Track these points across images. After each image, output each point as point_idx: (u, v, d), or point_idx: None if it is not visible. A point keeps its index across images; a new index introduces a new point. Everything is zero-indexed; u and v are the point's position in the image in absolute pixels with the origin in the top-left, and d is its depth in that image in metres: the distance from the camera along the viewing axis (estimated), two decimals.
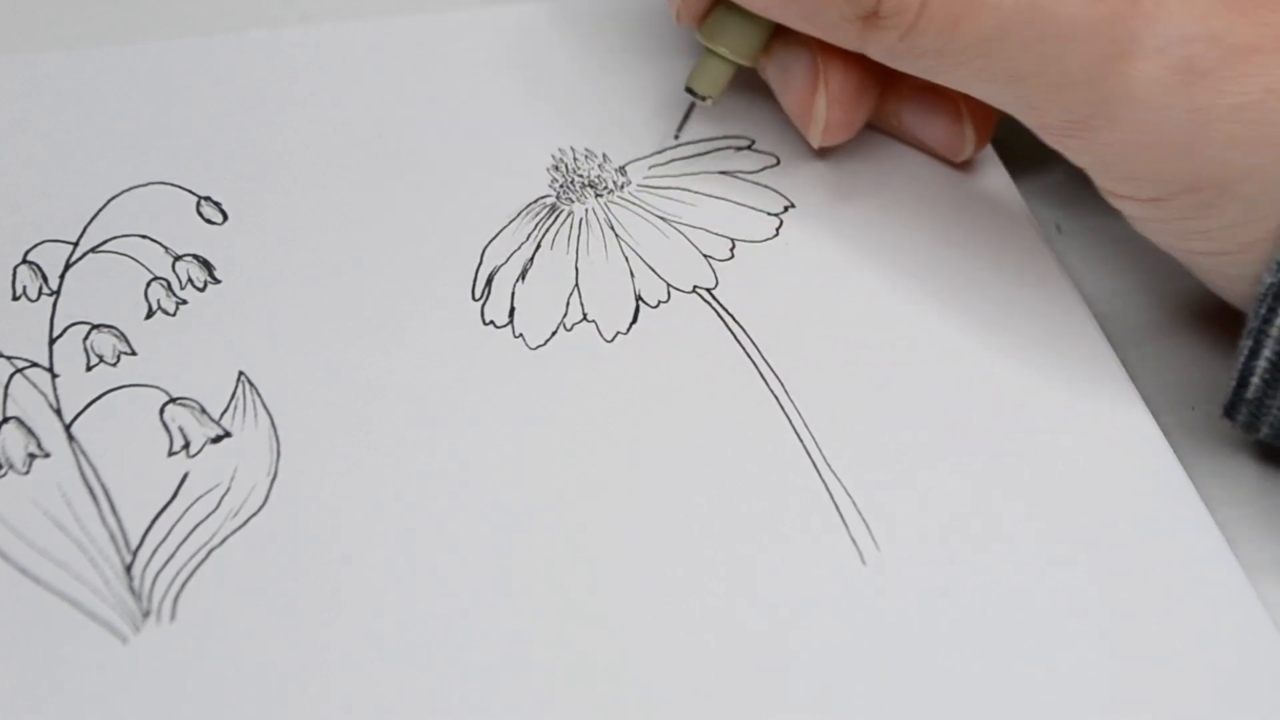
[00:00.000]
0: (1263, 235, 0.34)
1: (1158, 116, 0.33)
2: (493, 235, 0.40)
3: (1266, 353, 0.34)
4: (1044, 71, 0.34)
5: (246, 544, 0.34)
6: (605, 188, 0.41)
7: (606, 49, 0.44)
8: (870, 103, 0.40)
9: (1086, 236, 0.40)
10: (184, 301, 0.38)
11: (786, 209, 0.41)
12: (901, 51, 0.36)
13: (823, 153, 0.41)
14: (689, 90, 0.40)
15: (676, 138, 0.41)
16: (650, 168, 0.42)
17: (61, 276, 0.38)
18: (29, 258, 0.39)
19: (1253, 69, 0.32)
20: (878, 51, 0.36)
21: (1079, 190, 0.38)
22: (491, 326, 0.38)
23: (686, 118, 0.41)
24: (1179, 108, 0.33)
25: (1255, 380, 0.34)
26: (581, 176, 0.41)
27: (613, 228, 0.40)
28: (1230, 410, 0.35)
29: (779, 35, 0.39)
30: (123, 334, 0.37)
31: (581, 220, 0.40)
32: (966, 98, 0.37)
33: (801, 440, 0.36)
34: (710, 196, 0.41)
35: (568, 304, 0.39)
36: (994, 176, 0.42)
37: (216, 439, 0.36)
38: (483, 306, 0.39)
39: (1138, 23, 0.33)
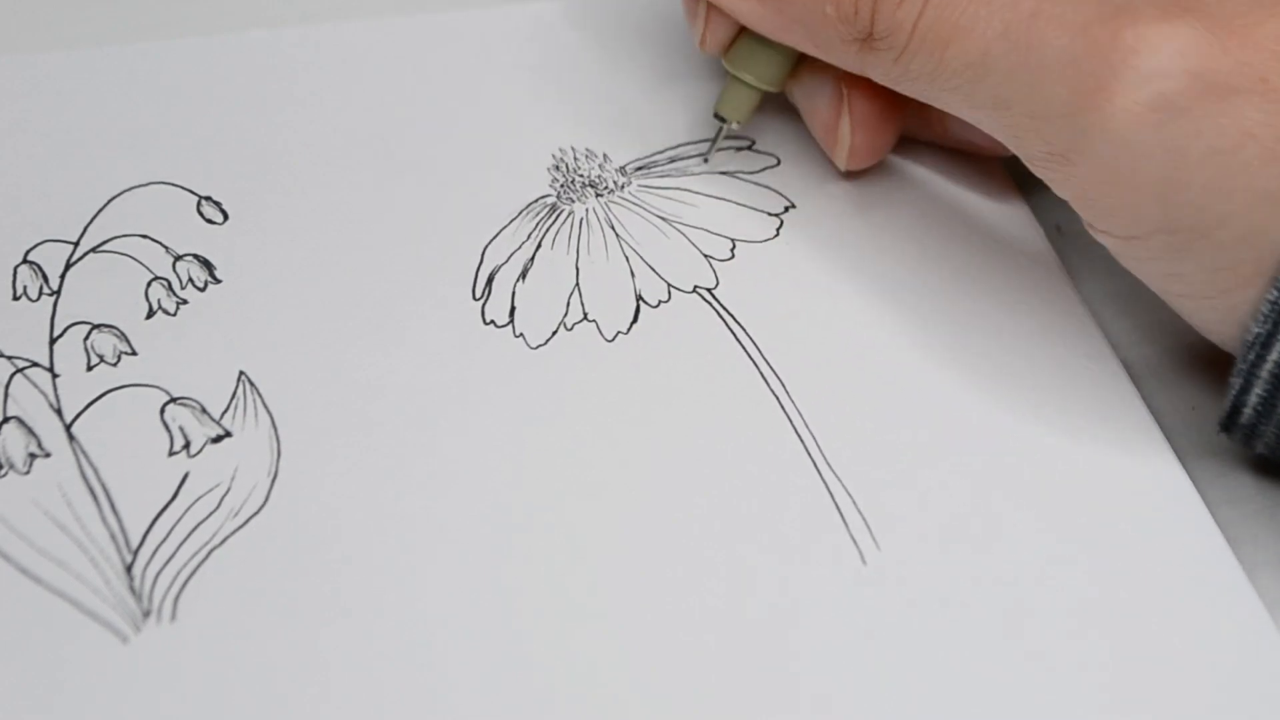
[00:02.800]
0: (1238, 282, 0.33)
1: (1134, 154, 0.33)
2: (493, 235, 0.40)
3: (1257, 390, 0.34)
4: (1026, 101, 0.34)
5: (247, 544, 0.34)
6: (606, 187, 0.41)
7: (607, 49, 0.44)
8: (896, 127, 0.40)
9: (1086, 237, 0.40)
10: (184, 301, 0.38)
11: (786, 209, 0.41)
12: (897, 74, 0.36)
13: (826, 154, 0.41)
14: (717, 116, 0.41)
15: (706, 160, 0.42)
16: (651, 168, 0.42)
17: (62, 276, 0.38)
18: (29, 257, 0.39)
19: (1231, 110, 0.32)
20: (877, 74, 0.37)
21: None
22: (492, 326, 0.38)
23: (715, 142, 0.42)
24: (1155, 145, 0.32)
25: (1247, 411, 0.35)
26: (582, 176, 0.41)
27: (613, 227, 0.40)
28: (1225, 428, 0.35)
29: (805, 63, 0.40)
30: (123, 334, 0.37)
31: (582, 220, 0.40)
32: None
33: (801, 440, 0.36)
34: (710, 196, 0.41)
35: (568, 304, 0.39)
36: (995, 177, 0.42)
37: (217, 439, 0.36)
38: (483, 306, 0.39)
39: (1118, 56, 0.33)
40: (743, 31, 0.40)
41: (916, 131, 0.41)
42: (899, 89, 0.37)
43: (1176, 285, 0.35)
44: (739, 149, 0.42)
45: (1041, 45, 0.33)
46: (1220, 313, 0.34)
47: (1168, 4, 0.33)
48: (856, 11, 0.36)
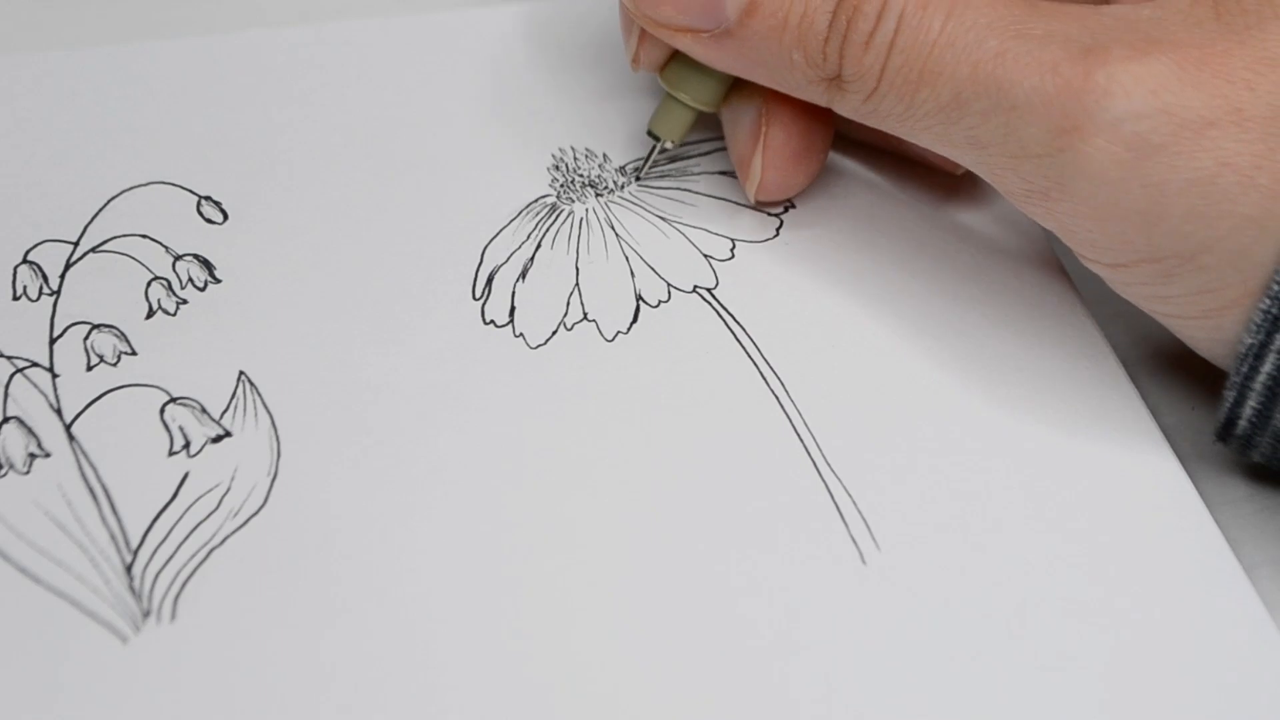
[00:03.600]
0: (1226, 302, 0.33)
1: (1113, 191, 0.33)
2: (493, 235, 0.40)
3: (1251, 402, 0.34)
4: (1002, 142, 0.34)
5: (246, 544, 0.34)
6: (605, 187, 0.41)
7: (607, 48, 0.44)
8: (814, 166, 0.40)
9: None
10: (184, 301, 0.38)
11: (786, 209, 0.41)
12: (867, 112, 0.36)
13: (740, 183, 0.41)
14: (650, 134, 0.40)
15: (639, 179, 0.41)
16: (651, 167, 0.42)
17: (62, 276, 0.38)
18: (29, 257, 0.39)
19: (1206, 143, 0.32)
20: (845, 110, 0.37)
21: None
22: (492, 326, 0.38)
23: (649, 159, 0.41)
24: (1134, 182, 0.33)
25: (1242, 422, 0.35)
26: (582, 176, 0.41)
27: (613, 227, 0.40)
28: (1221, 438, 0.35)
29: (736, 85, 0.39)
30: (123, 334, 0.37)
31: (582, 220, 0.40)
32: None
33: (801, 440, 0.36)
34: (710, 196, 0.41)
35: (568, 303, 0.39)
36: None
37: (217, 439, 0.36)
38: (483, 306, 0.39)
39: (1091, 98, 0.32)
40: (679, 52, 0.39)
41: (876, 142, 0.41)
42: (870, 124, 0.37)
43: (1165, 307, 0.35)
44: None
45: (1012, 86, 0.33)
46: (1209, 331, 0.34)
47: (1135, 40, 0.33)
48: (825, 58, 0.36)
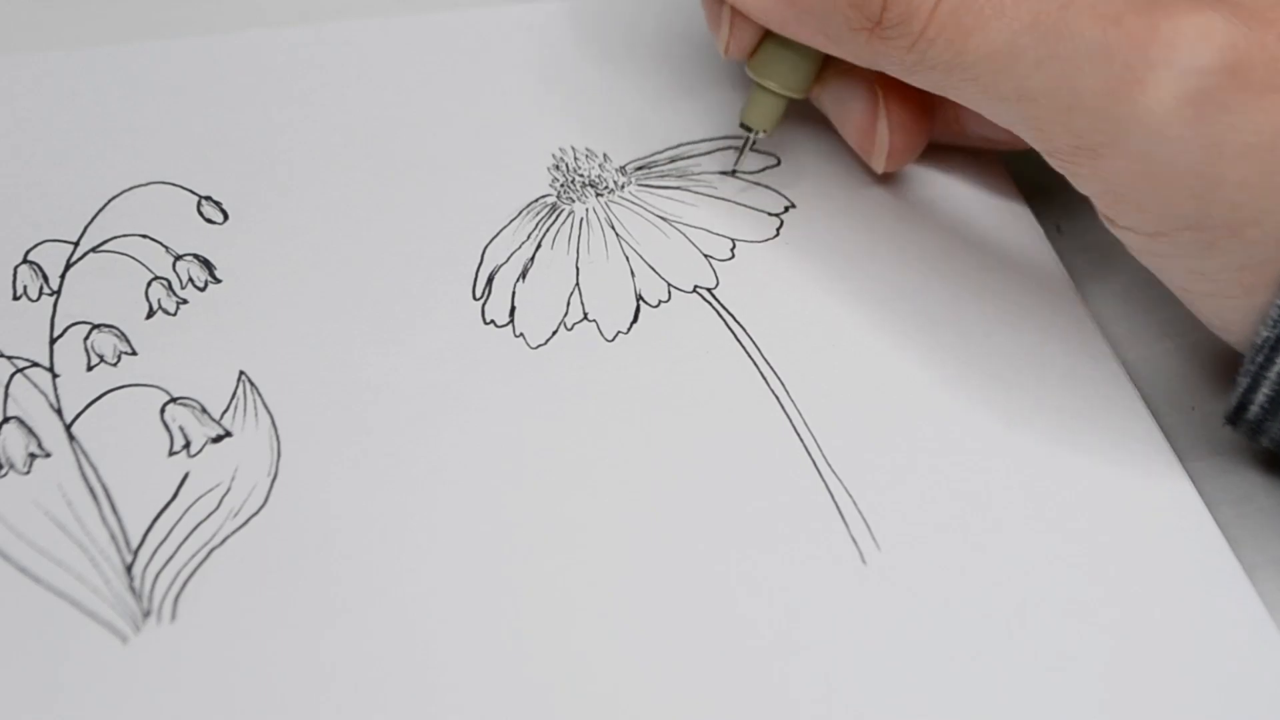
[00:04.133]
0: (1264, 280, 0.33)
1: (1169, 148, 0.32)
2: (493, 235, 0.40)
3: (1265, 389, 0.34)
4: (1054, 92, 0.33)
5: (247, 544, 0.34)
6: (606, 187, 0.41)
7: (607, 48, 0.44)
8: (930, 126, 0.40)
9: (1087, 237, 0.40)
10: (185, 301, 0.38)
11: (786, 209, 0.41)
12: (911, 63, 0.35)
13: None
14: (743, 125, 0.40)
15: (734, 173, 0.41)
16: (651, 167, 0.42)
17: (62, 276, 0.38)
18: (29, 257, 0.39)
19: (1269, 106, 0.32)
20: (889, 65, 0.36)
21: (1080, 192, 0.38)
22: (492, 326, 0.38)
23: (743, 151, 0.41)
24: (1192, 140, 0.32)
25: (1254, 409, 0.35)
26: (582, 176, 0.41)
27: (613, 227, 0.40)
28: (1232, 421, 0.35)
29: (831, 66, 0.39)
30: (123, 334, 0.37)
31: (582, 220, 0.40)
32: None
33: (801, 440, 0.36)
34: (710, 196, 0.41)
35: (568, 303, 0.39)
36: (996, 177, 0.42)
37: (217, 439, 0.36)
38: (483, 306, 0.39)
39: (1155, 49, 0.32)
40: (765, 38, 0.39)
41: (939, 134, 0.41)
42: (910, 80, 0.36)
43: (1200, 283, 0.34)
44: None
45: (1074, 35, 0.33)
46: (1241, 312, 0.34)
47: None
48: None
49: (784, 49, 0.39)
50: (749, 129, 0.40)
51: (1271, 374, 0.33)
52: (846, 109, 0.40)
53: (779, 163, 0.42)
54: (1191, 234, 0.33)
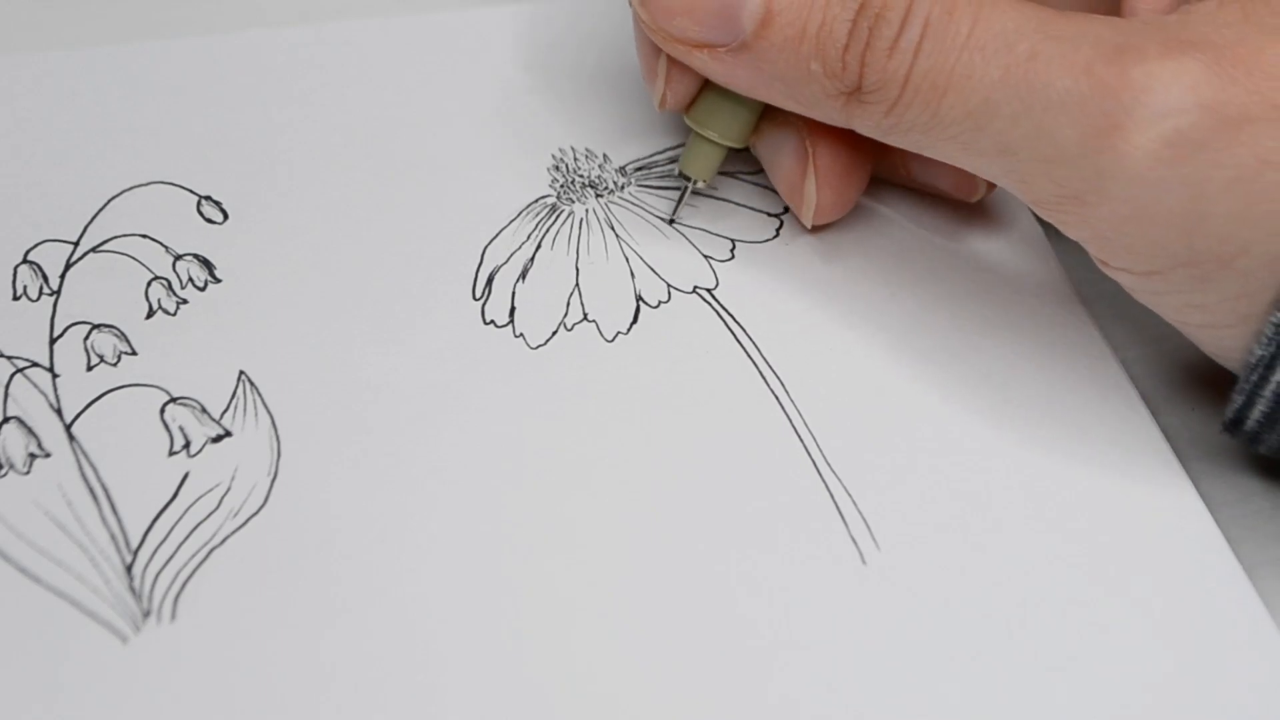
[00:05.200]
0: (1258, 307, 0.33)
1: (1152, 191, 0.32)
2: (493, 235, 0.40)
3: (1260, 406, 0.34)
4: (1034, 145, 0.33)
5: (247, 544, 0.34)
6: (606, 188, 0.41)
7: (607, 49, 0.44)
8: (863, 179, 0.39)
9: None
10: (184, 301, 0.38)
11: (787, 209, 0.41)
12: (888, 127, 0.35)
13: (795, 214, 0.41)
14: (682, 175, 0.40)
15: (672, 222, 0.40)
16: (651, 168, 0.42)
17: (62, 276, 0.38)
18: (29, 257, 0.39)
19: (1247, 139, 0.32)
20: (864, 127, 0.36)
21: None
22: (492, 326, 0.38)
23: (681, 200, 0.40)
24: (1174, 181, 0.32)
25: (1250, 423, 0.35)
26: (582, 177, 0.41)
27: (613, 228, 0.40)
28: (1228, 430, 0.35)
29: (768, 115, 0.39)
30: (123, 334, 0.37)
31: (582, 220, 0.40)
32: None
33: (801, 440, 0.36)
34: (710, 197, 0.41)
35: (568, 304, 0.39)
36: None
37: (217, 438, 0.36)
38: (483, 306, 0.39)
39: (1128, 95, 0.32)
40: (705, 87, 0.38)
41: (880, 172, 0.41)
42: (886, 140, 0.36)
43: (1196, 316, 0.34)
44: (739, 149, 0.42)
45: (1045, 88, 0.33)
46: (1238, 339, 0.34)
47: (1167, 40, 0.32)
48: (845, 67, 0.35)
49: (725, 99, 0.38)
50: (687, 178, 0.40)
51: (1266, 391, 0.34)
52: (777, 161, 0.39)
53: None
54: (1184, 270, 0.33)
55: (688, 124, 0.39)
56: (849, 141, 0.38)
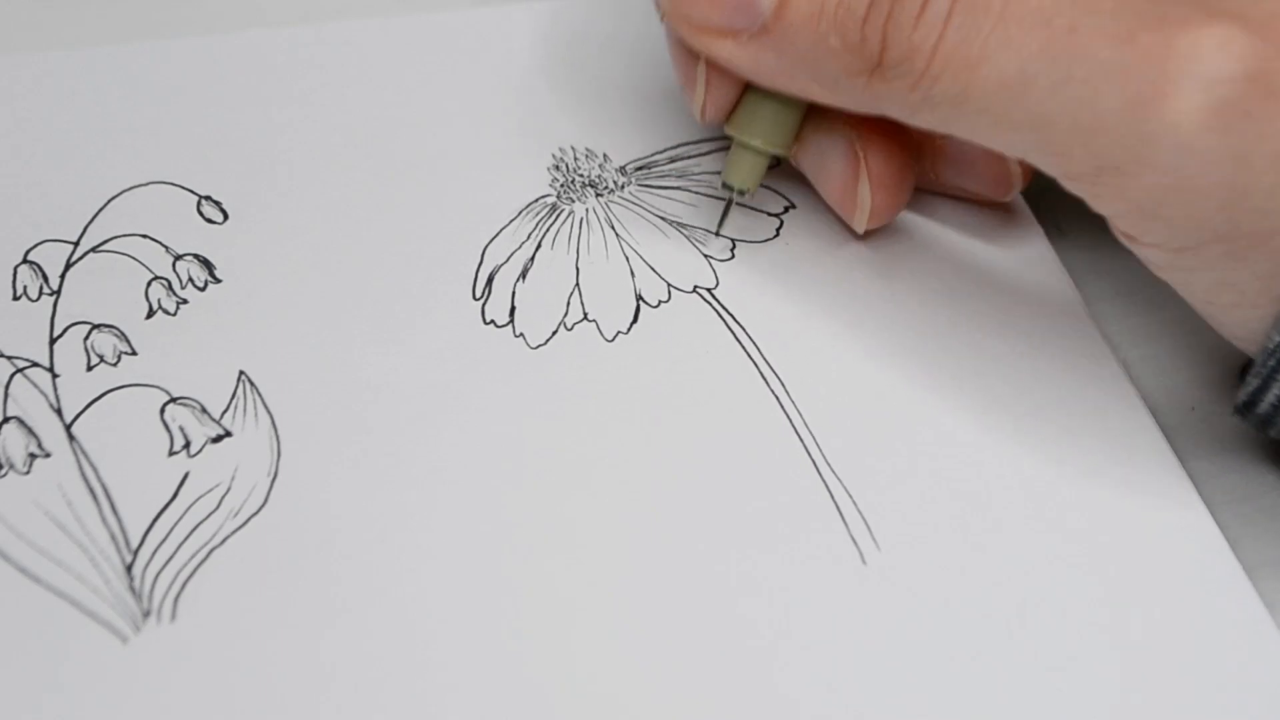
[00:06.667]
0: None
1: (1197, 160, 0.32)
2: (493, 235, 0.40)
3: (1276, 389, 0.34)
4: (1073, 115, 0.32)
5: (247, 544, 0.34)
6: (606, 187, 0.41)
7: (607, 48, 0.44)
8: (912, 182, 0.39)
9: (1087, 237, 0.40)
10: (184, 301, 0.38)
11: (786, 209, 0.41)
12: (916, 103, 0.34)
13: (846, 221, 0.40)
14: (725, 185, 0.39)
15: (718, 234, 0.40)
16: (651, 168, 0.42)
17: (62, 276, 0.38)
18: (29, 257, 0.39)
19: None
20: (890, 108, 0.35)
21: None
22: (492, 326, 0.38)
23: (726, 213, 0.40)
24: (1219, 151, 0.32)
25: (1264, 405, 0.34)
26: (582, 176, 0.41)
27: (613, 227, 0.40)
28: (1240, 413, 0.35)
29: (811, 121, 0.38)
30: (123, 334, 0.37)
31: (582, 220, 0.40)
32: None
33: (801, 440, 0.36)
34: (710, 197, 0.41)
35: (568, 303, 0.39)
36: None
37: (217, 439, 0.36)
38: (483, 306, 0.39)
39: (1174, 63, 0.31)
40: (745, 93, 0.38)
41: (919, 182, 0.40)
42: (914, 121, 0.35)
43: (1224, 294, 0.34)
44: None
45: (1088, 57, 0.32)
46: (1264, 321, 0.34)
47: (1210, 9, 0.32)
48: (864, 40, 0.34)
49: (766, 102, 0.38)
50: (731, 189, 0.39)
51: None
52: (826, 168, 0.39)
53: (779, 163, 0.41)
54: (1218, 245, 0.33)
55: (728, 134, 0.39)
56: (899, 142, 0.38)
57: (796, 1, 0.35)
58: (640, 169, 0.42)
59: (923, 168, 0.40)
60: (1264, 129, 0.31)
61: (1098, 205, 0.34)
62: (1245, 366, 0.35)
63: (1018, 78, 0.33)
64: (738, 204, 0.40)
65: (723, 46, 0.36)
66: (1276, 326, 0.33)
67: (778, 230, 0.41)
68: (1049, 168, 0.34)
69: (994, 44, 0.33)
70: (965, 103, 0.33)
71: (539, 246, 0.40)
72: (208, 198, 0.40)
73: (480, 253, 0.40)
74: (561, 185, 0.41)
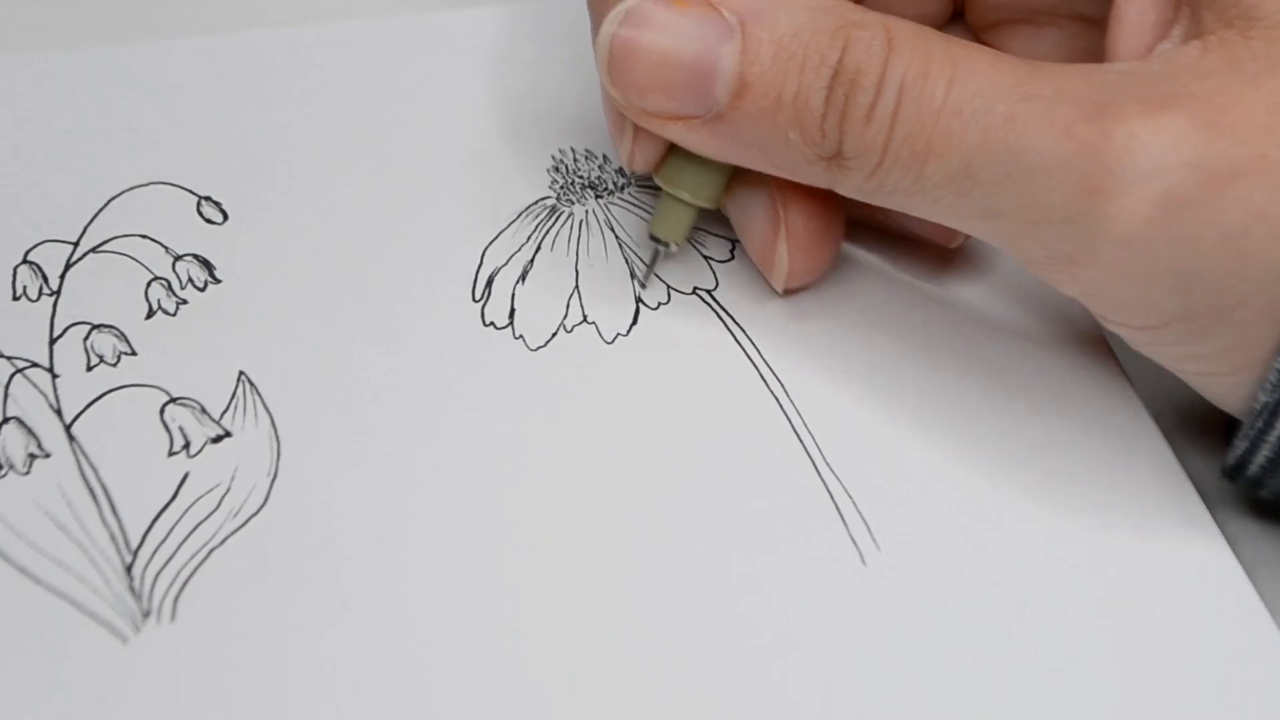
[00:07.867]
0: (1258, 355, 0.33)
1: (1142, 252, 0.32)
2: (493, 236, 0.40)
3: (1265, 452, 0.34)
4: (1020, 209, 0.32)
5: (246, 544, 0.34)
6: (605, 189, 0.41)
7: None
8: (836, 241, 0.38)
9: None
10: (184, 301, 0.38)
11: None
12: (871, 189, 0.34)
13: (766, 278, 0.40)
14: (653, 238, 0.38)
15: (643, 286, 0.39)
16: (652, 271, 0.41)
17: (62, 276, 0.38)
18: (29, 258, 0.39)
19: (1235, 194, 0.31)
20: (846, 189, 0.35)
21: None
22: (492, 328, 0.38)
23: (653, 266, 0.39)
24: (1164, 241, 0.31)
25: (1253, 468, 0.34)
26: (582, 178, 0.41)
27: (613, 229, 0.40)
28: (1229, 476, 0.35)
29: (739, 175, 0.37)
30: (123, 334, 0.37)
31: (582, 222, 0.41)
32: None
33: (801, 440, 0.36)
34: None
35: (568, 305, 0.39)
36: None
37: (217, 439, 0.36)
38: (483, 308, 0.39)
39: (1112, 156, 0.31)
40: (674, 146, 0.37)
41: (858, 218, 0.39)
42: (873, 201, 0.35)
43: (1194, 366, 0.34)
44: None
45: (1026, 150, 0.32)
46: (1240, 386, 0.33)
47: (1148, 95, 0.32)
48: (824, 134, 0.34)
49: (695, 158, 0.36)
50: (660, 242, 0.38)
51: (1271, 437, 0.33)
52: (748, 224, 0.38)
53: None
54: (1181, 325, 0.33)
55: (659, 184, 0.38)
56: (822, 202, 0.37)
57: (753, 93, 0.34)
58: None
59: (871, 210, 0.38)
60: (1208, 215, 0.31)
61: (1059, 289, 0.34)
62: (1228, 427, 0.35)
63: (963, 171, 0.33)
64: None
65: (672, 129, 0.36)
66: (1262, 387, 0.33)
67: None
68: (1008, 254, 0.34)
69: (938, 139, 0.33)
70: (917, 194, 0.34)
71: (539, 248, 0.40)
72: (207, 198, 0.40)
73: (480, 254, 0.40)
74: (561, 187, 0.41)
